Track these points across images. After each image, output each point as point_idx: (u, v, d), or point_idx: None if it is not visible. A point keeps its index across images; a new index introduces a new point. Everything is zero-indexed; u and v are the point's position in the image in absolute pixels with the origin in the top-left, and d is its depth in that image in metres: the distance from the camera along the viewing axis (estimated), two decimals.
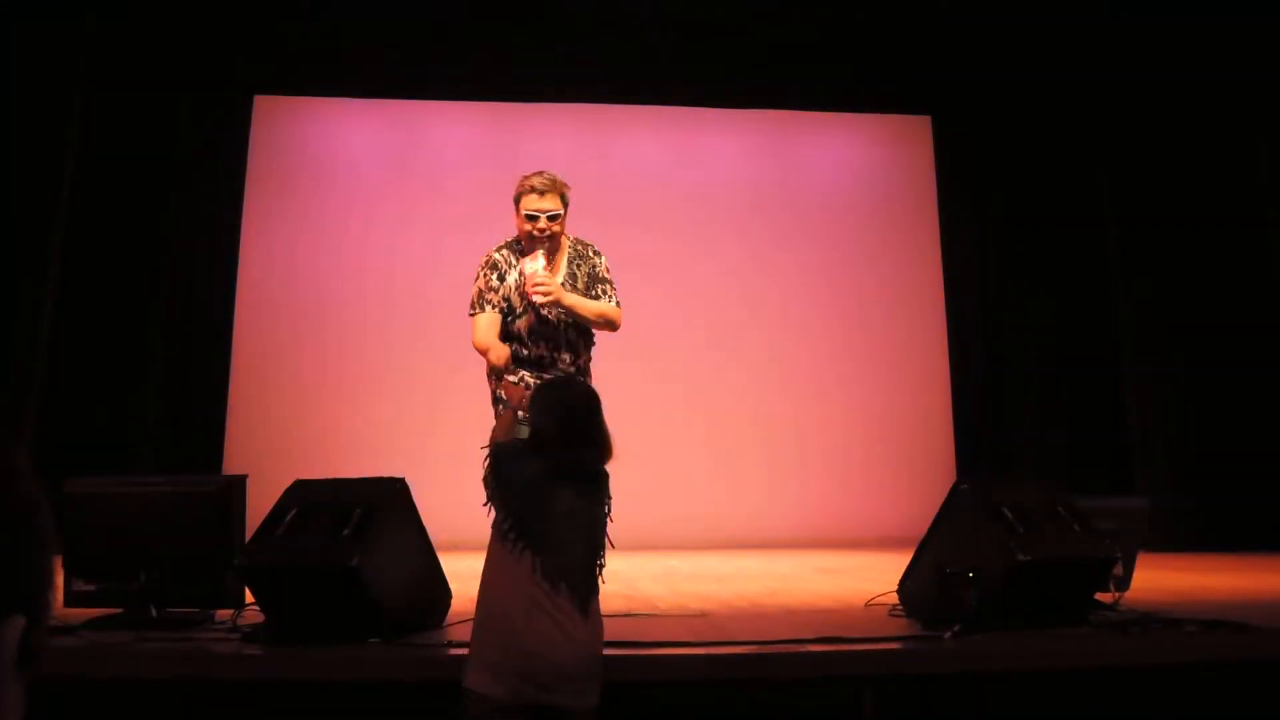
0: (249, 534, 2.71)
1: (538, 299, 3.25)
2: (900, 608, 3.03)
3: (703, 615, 3.20)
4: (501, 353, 3.31)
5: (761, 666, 2.38)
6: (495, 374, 3.31)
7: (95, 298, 6.51)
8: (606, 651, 2.16)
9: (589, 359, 3.52)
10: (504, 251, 3.46)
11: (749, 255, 7.79)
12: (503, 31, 7.36)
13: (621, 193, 7.48)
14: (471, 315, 3.44)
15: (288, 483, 2.80)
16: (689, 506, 7.17)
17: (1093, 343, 7.17)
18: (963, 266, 7.90)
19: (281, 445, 6.93)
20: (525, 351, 3.38)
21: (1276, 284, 6.41)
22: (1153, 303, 6.81)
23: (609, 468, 2.26)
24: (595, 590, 2.13)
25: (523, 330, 3.39)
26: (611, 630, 2.28)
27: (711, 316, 7.65)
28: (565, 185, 3.38)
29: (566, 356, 3.40)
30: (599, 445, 2.21)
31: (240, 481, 2.80)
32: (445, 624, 2.86)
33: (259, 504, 2.78)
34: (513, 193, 3.38)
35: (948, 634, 2.53)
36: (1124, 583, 3.04)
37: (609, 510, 2.24)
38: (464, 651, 2.17)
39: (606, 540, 2.21)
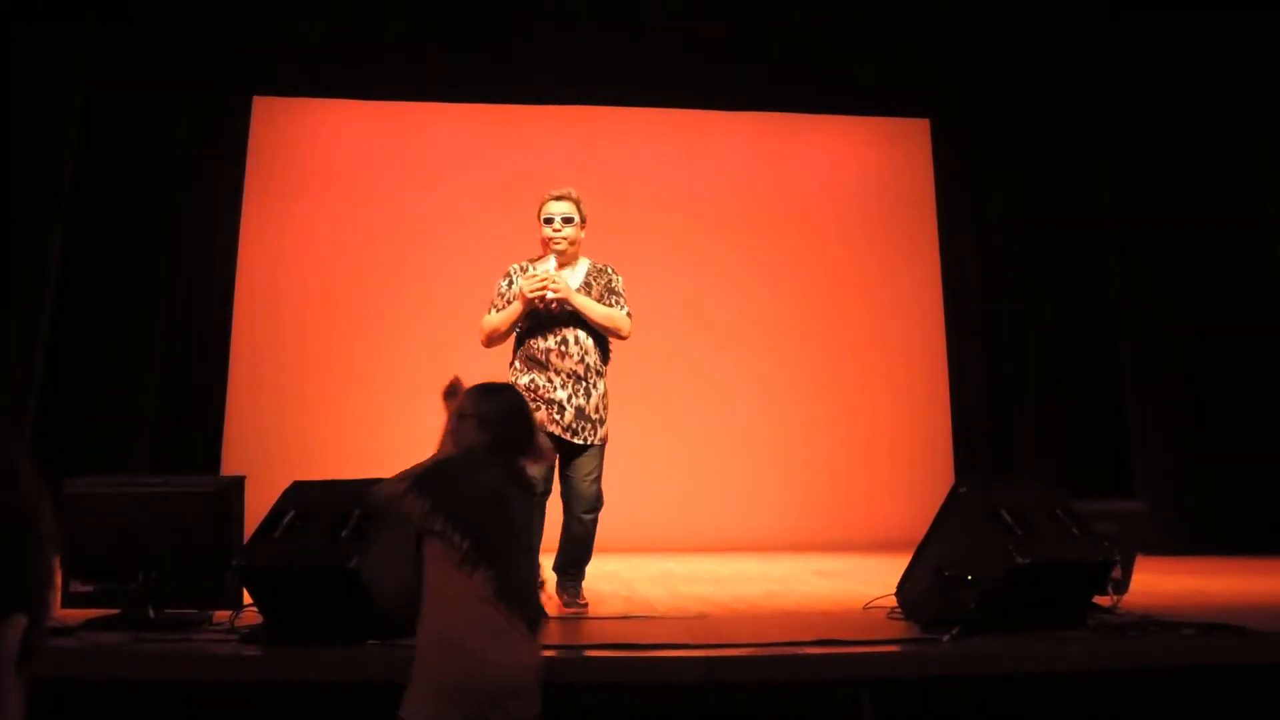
0: (247, 535, 2.71)
1: (548, 294, 3.38)
2: (899, 610, 3.03)
3: (701, 617, 3.19)
4: (489, 319, 3.49)
5: (759, 669, 2.38)
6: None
7: (95, 297, 6.52)
8: (604, 653, 2.16)
9: (599, 360, 3.52)
10: (521, 262, 3.63)
11: (749, 257, 7.79)
12: (503, 32, 7.38)
13: (621, 194, 7.47)
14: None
15: (286, 484, 2.81)
16: (686, 509, 7.17)
17: (1092, 344, 7.18)
18: (962, 267, 7.91)
19: (280, 446, 6.93)
20: (537, 342, 3.45)
21: (1276, 284, 6.42)
22: (1152, 304, 6.82)
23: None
24: (543, 611, 2.07)
25: (529, 324, 3.48)
26: (610, 632, 2.28)
27: (709, 319, 7.66)
28: (582, 201, 3.59)
29: (575, 352, 3.44)
30: (542, 450, 2.19)
31: (239, 482, 2.80)
32: None
33: (257, 505, 2.78)
34: (533, 207, 3.60)
35: (946, 637, 2.53)
36: (1122, 586, 3.05)
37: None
38: None
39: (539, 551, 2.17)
